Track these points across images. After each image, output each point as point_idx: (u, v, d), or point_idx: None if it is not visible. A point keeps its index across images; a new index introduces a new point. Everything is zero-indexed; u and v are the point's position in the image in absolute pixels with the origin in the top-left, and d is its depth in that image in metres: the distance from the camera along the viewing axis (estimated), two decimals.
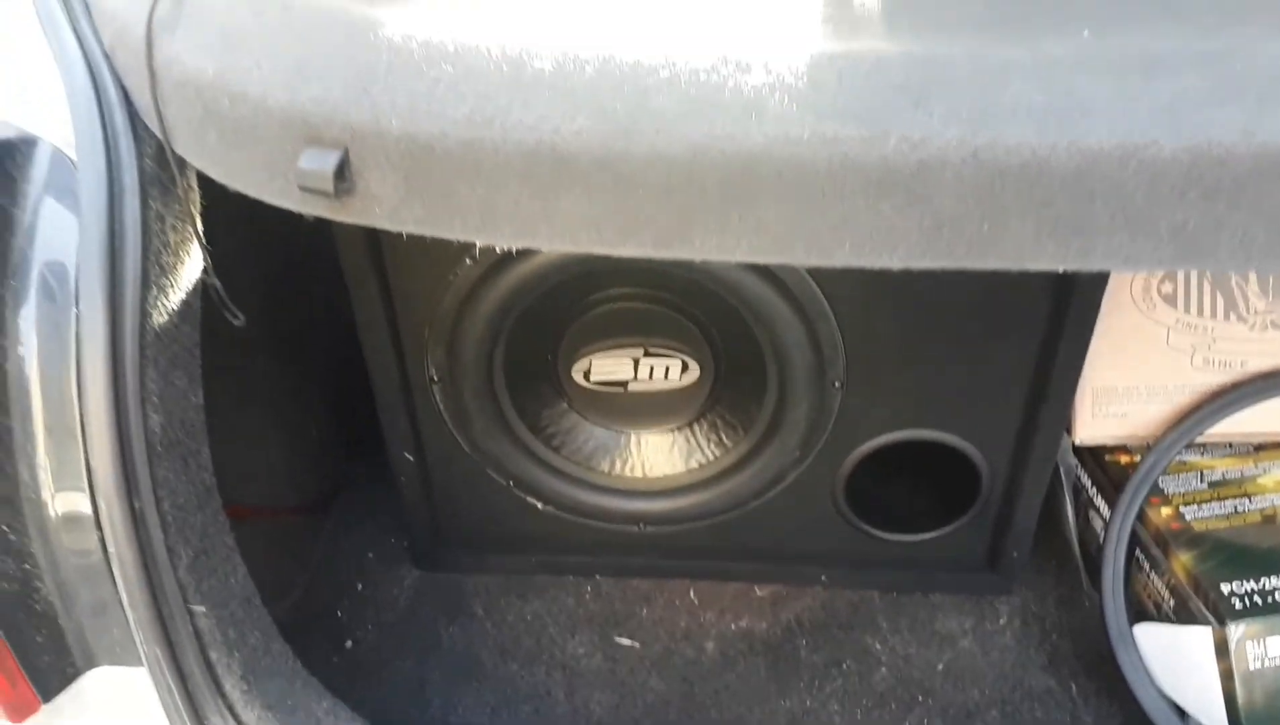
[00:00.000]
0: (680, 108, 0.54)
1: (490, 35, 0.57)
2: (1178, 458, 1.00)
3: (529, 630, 1.07)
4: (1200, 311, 0.94)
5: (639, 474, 1.04)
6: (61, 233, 0.66)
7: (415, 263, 0.89)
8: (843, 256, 0.56)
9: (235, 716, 0.71)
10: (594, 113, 0.54)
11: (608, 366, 0.98)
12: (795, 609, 1.08)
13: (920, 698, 1.01)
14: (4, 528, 0.67)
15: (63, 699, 0.70)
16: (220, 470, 0.75)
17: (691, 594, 1.10)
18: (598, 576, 1.12)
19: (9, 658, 0.66)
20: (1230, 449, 1.02)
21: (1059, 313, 0.86)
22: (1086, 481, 1.04)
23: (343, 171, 0.57)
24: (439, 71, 0.56)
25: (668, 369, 0.98)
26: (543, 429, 1.02)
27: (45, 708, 0.69)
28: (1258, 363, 0.94)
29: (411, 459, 1.03)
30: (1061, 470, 1.06)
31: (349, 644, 1.05)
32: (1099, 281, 0.84)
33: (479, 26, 0.58)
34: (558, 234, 0.58)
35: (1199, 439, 0.97)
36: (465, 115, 0.55)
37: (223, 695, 0.70)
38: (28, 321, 0.66)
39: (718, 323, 0.94)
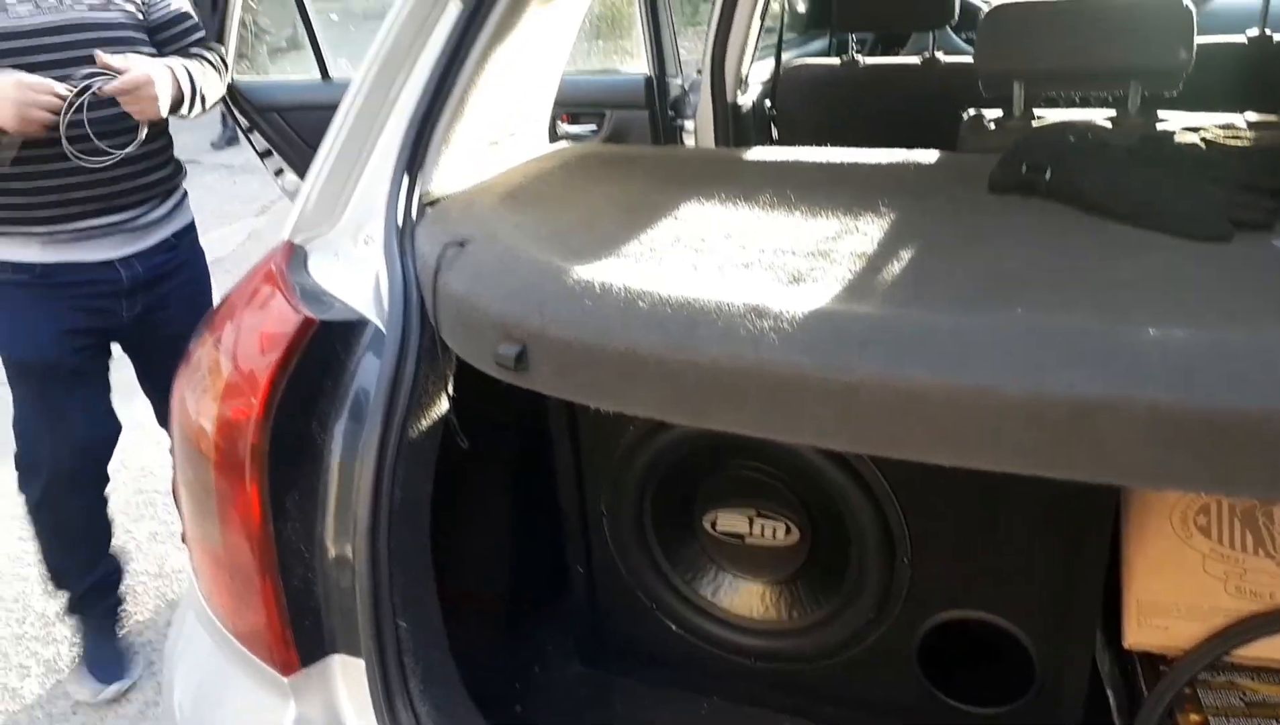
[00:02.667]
0: (724, 333, 0.86)
1: (615, 282, 0.93)
2: (1226, 676, 1.11)
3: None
4: (1231, 544, 1.08)
5: (750, 615, 1.30)
6: (370, 377, 1.08)
7: (596, 425, 1.25)
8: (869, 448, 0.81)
9: (412, 706, 1.04)
10: (662, 332, 0.87)
11: (730, 521, 1.28)
12: None
13: None
14: (304, 552, 1.07)
15: (312, 669, 1.08)
16: (442, 547, 1.12)
17: None
18: (715, 697, 1.37)
19: (288, 630, 1.05)
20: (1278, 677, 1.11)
21: (1084, 520, 1.05)
22: (1140, 682, 1.16)
23: (522, 357, 0.94)
24: (582, 304, 0.92)
25: (775, 530, 1.25)
26: (680, 564, 1.33)
27: (301, 671, 1.07)
28: None
29: (582, 572, 1.36)
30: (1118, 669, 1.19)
31: (518, 708, 1.38)
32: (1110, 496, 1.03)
33: (610, 276, 0.94)
34: (649, 408, 0.91)
35: (1238, 660, 1.08)
36: (592, 331, 0.90)
37: (407, 689, 1.04)
38: (339, 429, 1.07)
39: (813, 498, 1.21)
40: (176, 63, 1.90)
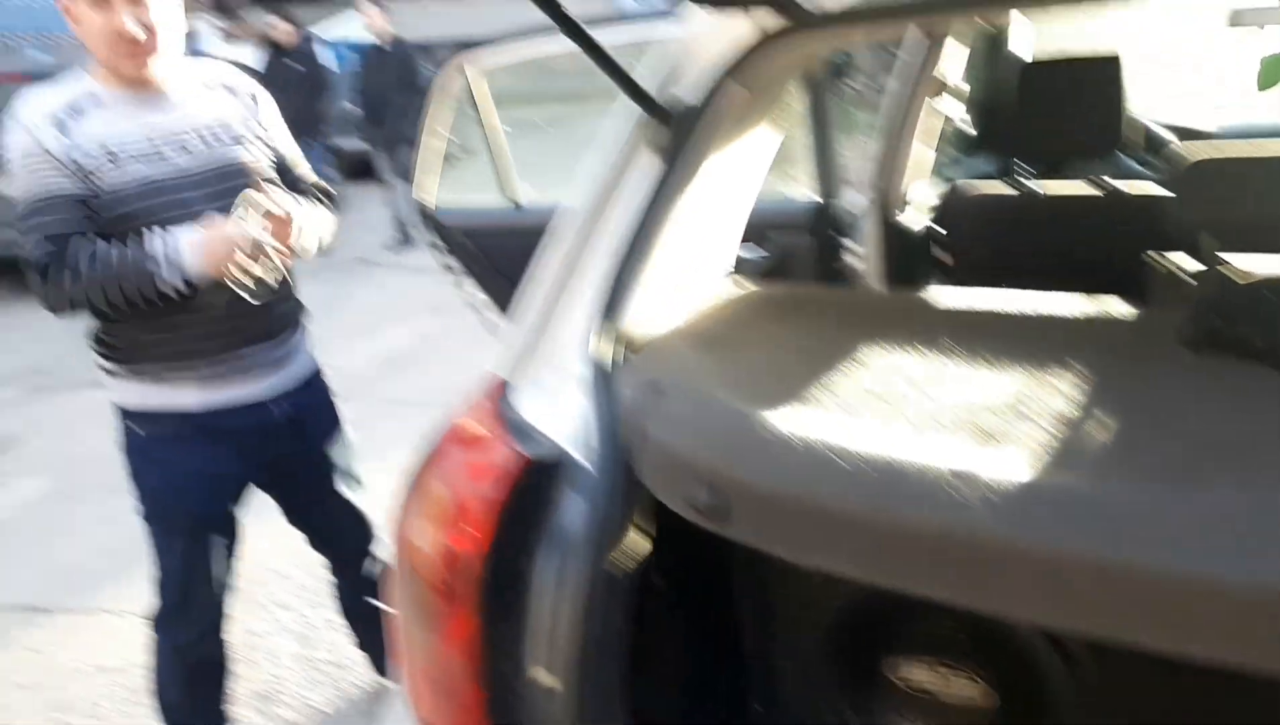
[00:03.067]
0: (926, 498, 0.89)
1: (812, 435, 0.98)
2: None
3: None
4: None
5: None
6: (573, 512, 1.16)
7: (783, 567, 1.30)
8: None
9: None
10: (862, 492, 0.92)
11: (917, 674, 1.28)
12: None
13: None
14: (509, 675, 1.14)
15: None
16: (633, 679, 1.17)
17: None
18: None
19: None
20: None
21: None
22: None
23: (721, 507, 1.00)
24: (780, 458, 0.98)
25: (965, 687, 1.24)
26: (862, 713, 1.33)
27: None
28: None
29: (761, 712, 1.39)
30: None
31: None
32: None
33: (806, 429, 0.99)
34: (845, 566, 0.95)
35: None
36: (791, 486, 0.96)
37: None
38: (545, 562, 1.14)
39: (1008, 658, 1.20)
40: (312, 207, 1.99)
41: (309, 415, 2.10)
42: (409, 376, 4.94)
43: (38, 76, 7.69)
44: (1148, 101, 3.06)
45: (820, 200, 2.49)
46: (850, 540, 0.92)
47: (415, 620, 1.20)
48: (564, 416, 1.23)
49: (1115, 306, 1.28)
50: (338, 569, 2.34)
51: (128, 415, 1.94)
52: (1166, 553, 0.75)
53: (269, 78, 7.43)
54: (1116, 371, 1.10)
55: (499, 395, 1.28)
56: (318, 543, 2.30)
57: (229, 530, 2.05)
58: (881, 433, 0.99)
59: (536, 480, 1.16)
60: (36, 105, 1.80)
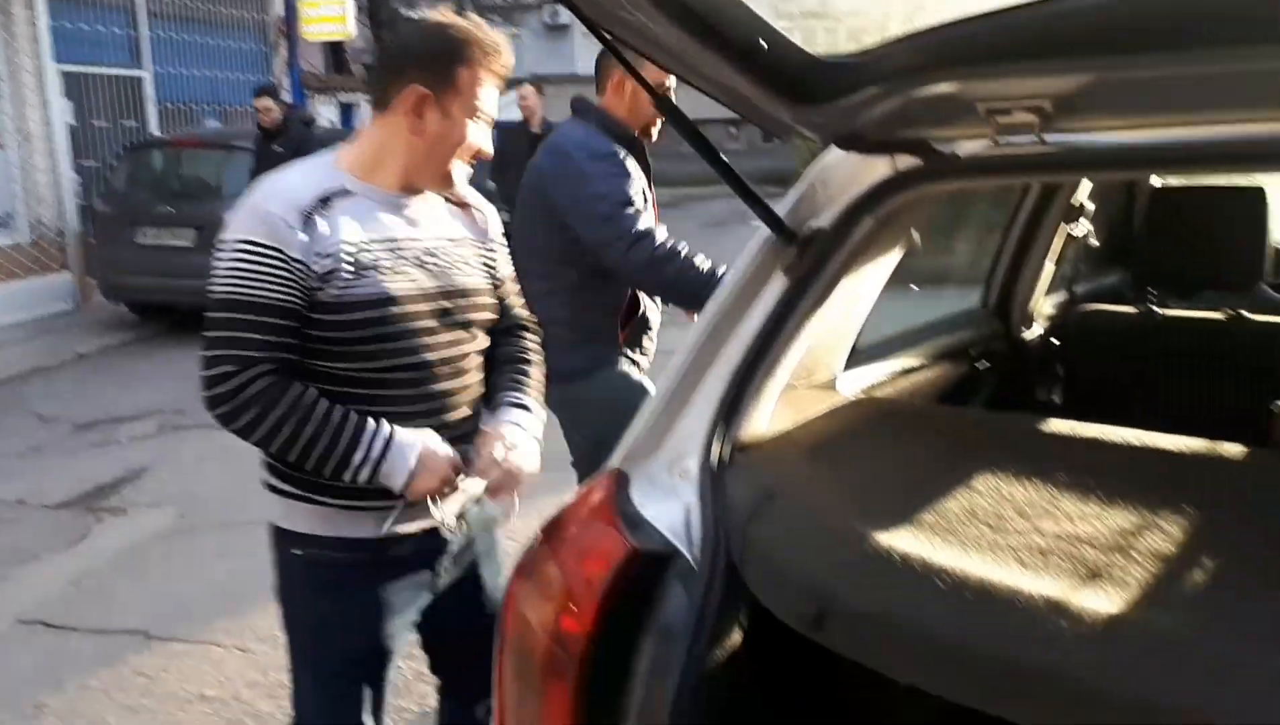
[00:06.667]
0: (1022, 628, 0.91)
1: (913, 554, 1.01)
2: None
3: None
4: None
5: None
6: (676, 603, 1.20)
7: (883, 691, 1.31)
8: None
9: None
10: (958, 617, 0.94)
11: None
12: None
13: None
14: None
15: None
16: None
17: None
18: None
19: None
20: None
21: None
22: None
23: (821, 618, 1.04)
24: (881, 576, 1.01)
25: None
26: None
27: None
28: None
29: None
30: None
31: None
32: None
33: (908, 547, 1.02)
34: (936, 686, 0.97)
35: None
36: (890, 604, 0.99)
37: None
38: (646, 649, 1.18)
39: None
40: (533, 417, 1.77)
41: (468, 549, 1.79)
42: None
43: (211, 144, 8.41)
44: None
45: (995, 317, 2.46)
46: (941, 662, 0.94)
47: (519, 691, 1.25)
48: (672, 509, 1.29)
49: (1237, 452, 1.28)
50: (456, 699, 1.97)
51: (296, 541, 1.67)
52: (1255, 706, 0.76)
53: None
54: (1230, 518, 1.11)
55: (616, 487, 1.34)
56: (446, 666, 1.95)
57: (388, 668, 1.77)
58: (981, 559, 1.01)
59: (645, 571, 1.21)
60: (286, 195, 1.56)
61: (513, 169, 7.54)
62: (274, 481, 1.67)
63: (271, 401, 1.52)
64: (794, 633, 1.12)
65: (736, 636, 1.20)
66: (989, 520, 1.10)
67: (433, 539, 1.68)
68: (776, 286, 1.37)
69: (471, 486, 1.62)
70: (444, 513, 1.59)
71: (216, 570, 3.64)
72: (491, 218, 1.83)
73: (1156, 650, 0.84)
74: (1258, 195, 2.02)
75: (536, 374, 1.86)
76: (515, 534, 1.87)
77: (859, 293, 1.51)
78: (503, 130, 8.07)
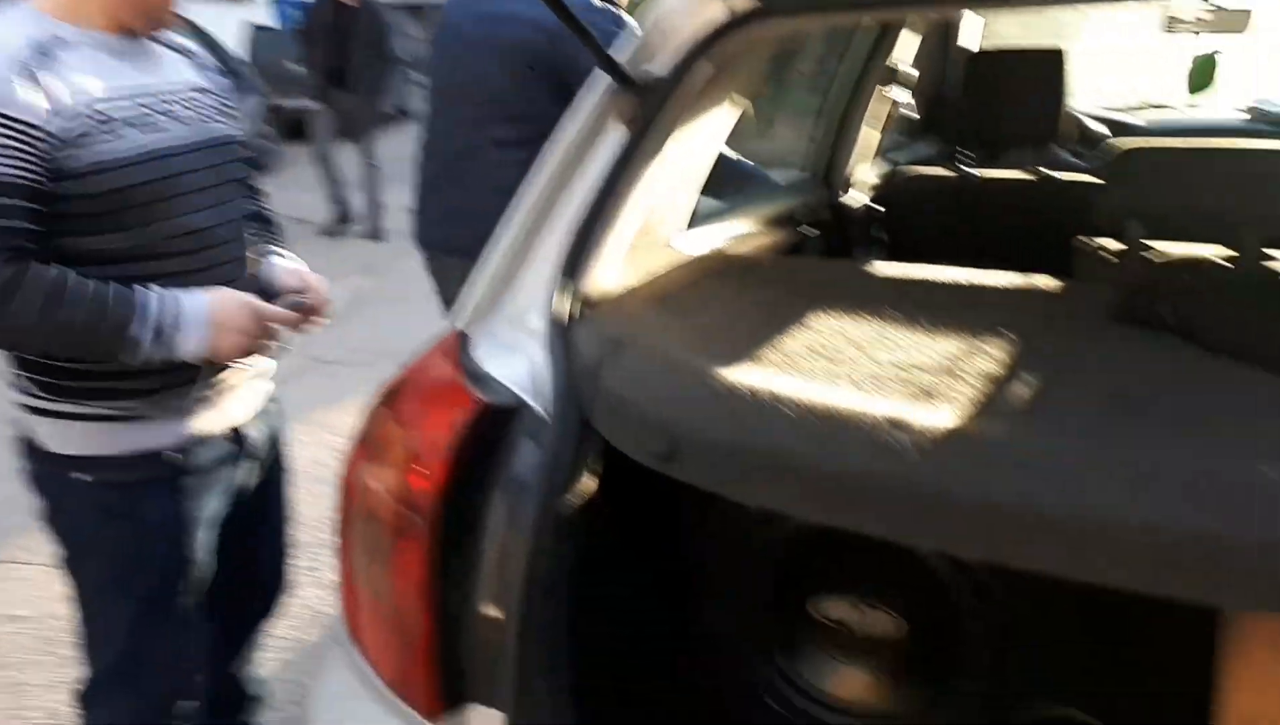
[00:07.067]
0: (867, 442, 0.95)
1: (760, 386, 1.03)
2: None
3: None
4: None
5: (852, 699, 1.37)
6: (527, 456, 1.19)
7: (720, 510, 1.36)
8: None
9: None
10: (807, 437, 0.97)
11: (836, 609, 1.36)
12: None
13: None
14: (458, 611, 1.17)
15: (453, 716, 1.18)
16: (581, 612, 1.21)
17: None
18: None
19: (437, 678, 1.16)
20: None
21: (1185, 637, 1.12)
22: None
23: (673, 452, 1.05)
24: (730, 406, 1.03)
25: (880, 620, 1.33)
26: (787, 646, 1.41)
27: (444, 717, 1.17)
28: None
29: (692, 651, 1.45)
30: None
31: None
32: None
33: (754, 381, 1.04)
34: (789, 505, 1.01)
35: None
36: (740, 431, 1.01)
37: None
38: (498, 503, 1.18)
39: (922, 592, 1.29)
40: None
41: (271, 446, 1.70)
42: (338, 334, 4.90)
43: None
44: (1087, 97, 3.18)
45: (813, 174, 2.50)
46: (792, 481, 0.98)
47: (370, 561, 1.22)
48: (518, 365, 1.27)
49: (1045, 282, 1.38)
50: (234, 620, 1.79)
51: (77, 465, 1.46)
52: (1073, 495, 0.85)
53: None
54: (1046, 340, 1.20)
55: (458, 346, 1.31)
56: (227, 585, 1.68)
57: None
58: (824, 386, 1.05)
59: (492, 425, 1.19)
60: None
61: (321, 47, 7.14)
62: (35, 400, 1.45)
63: (18, 290, 1.29)
64: (648, 480, 1.14)
65: (590, 483, 1.20)
66: (828, 354, 1.15)
67: (233, 441, 1.57)
68: (615, 137, 1.34)
69: (265, 364, 1.56)
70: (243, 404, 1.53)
71: (6, 489, 3.36)
72: (218, 68, 1.66)
73: (990, 453, 0.90)
74: (1056, 57, 2.14)
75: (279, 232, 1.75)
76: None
77: (696, 149, 1.51)
78: (309, 7, 7.58)
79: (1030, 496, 0.86)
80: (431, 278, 2.65)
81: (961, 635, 1.26)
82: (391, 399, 1.28)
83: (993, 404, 0.99)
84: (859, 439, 0.94)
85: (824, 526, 1.30)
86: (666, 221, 1.54)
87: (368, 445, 1.27)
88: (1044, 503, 0.85)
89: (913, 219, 2.37)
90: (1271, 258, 1.44)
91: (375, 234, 7.20)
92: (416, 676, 1.18)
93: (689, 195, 1.58)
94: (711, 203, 1.90)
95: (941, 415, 0.96)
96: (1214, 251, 1.42)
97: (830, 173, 2.47)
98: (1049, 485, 0.86)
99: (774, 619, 1.40)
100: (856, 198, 2.50)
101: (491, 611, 1.15)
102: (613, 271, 1.37)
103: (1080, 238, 1.64)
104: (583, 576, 1.20)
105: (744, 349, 1.16)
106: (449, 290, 2.45)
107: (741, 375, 1.07)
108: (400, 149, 8.24)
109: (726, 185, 1.98)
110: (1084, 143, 2.93)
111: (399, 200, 7.06)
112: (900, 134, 2.80)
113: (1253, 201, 1.55)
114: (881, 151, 2.64)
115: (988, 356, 1.12)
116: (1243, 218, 1.49)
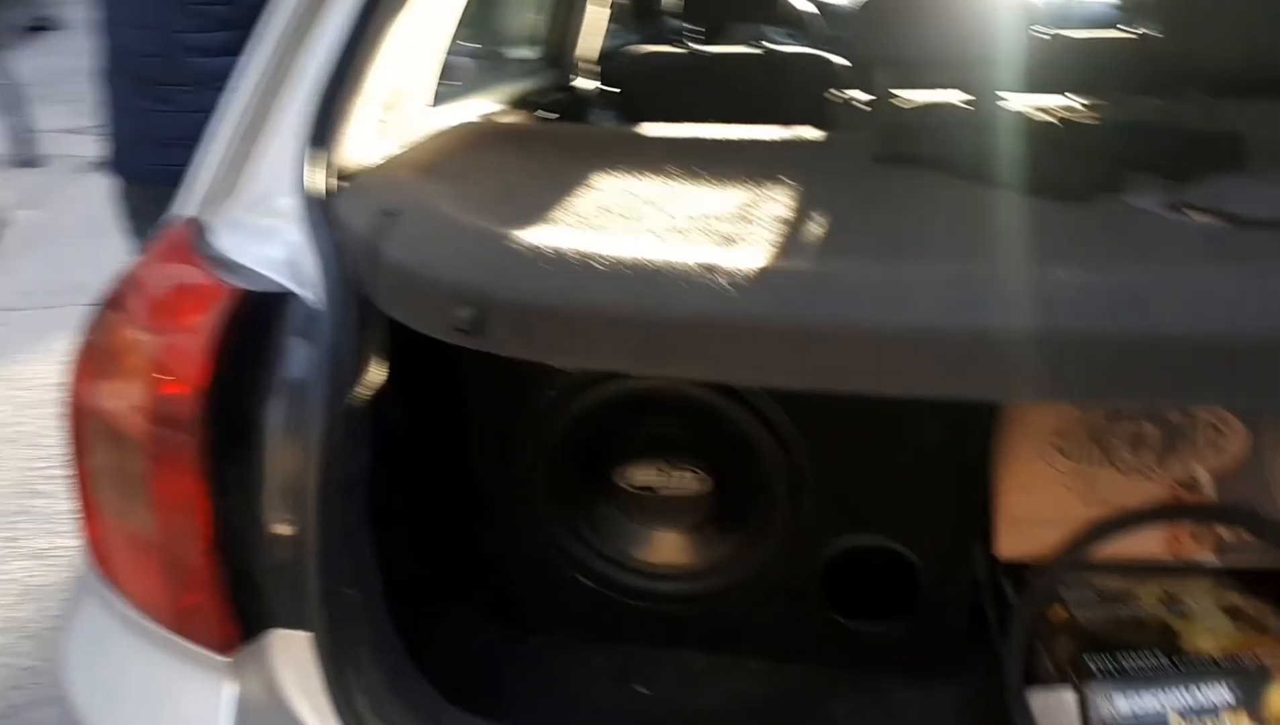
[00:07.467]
0: (683, 287, 0.92)
1: (564, 245, 0.97)
2: (1083, 575, 1.29)
3: (568, 678, 1.39)
4: (1083, 460, 1.26)
5: (664, 561, 1.38)
6: (301, 350, 1.06)
7: (514, 389, 1.29)
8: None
9: (361, 673, 1.05)
10: (624, 288, 0.93)
11: (643, 475, 1.35)
12: (780, 679, 1.37)
13: None
14: (243, 529, 1.04)
15: (252, 645, 1.06)
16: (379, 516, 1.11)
17: (699, 664, 1.40)
18: (634, 645, 1.43)
19: (228, 607, 1.03)
20: (1128, 572, 1.30)
21: (961, 448, 1.21)
22: (1009, 590, 1.33)
23: (479, 321, 0.96)
24: (538, 266, 0.96)
25: (686, 479, 1.34)
26: (594, 521, 1.38)
27: (241, 648, 1.05)
28: (1129, 501, 1.25)
29: (499, 535, 1.40)
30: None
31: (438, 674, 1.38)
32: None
33: (556, 240, 0.98)
34: (611, 361, 0.97)
35: (1095, 559, 1.26)
36: (552, 291, 0.94)
37: (355, 656, 1.05)
38: (275, 404, 1.04)
39: (721, 445, 1.30)
40: None
41: None
42: (3, 277, 4.29)
43: None
44: None
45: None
46: (613, 335, 0.93)
47: (122, 490, 1.05)
48: (270, 251, 1.12)
49: (808, 133, 1.41)
50: None
51: None
52: (872, 311, 0.88)
53: None
54: (822, 183, 1.23)
55: (193, 235, 1.13)
56: None
57: None
58: (629, 240, 1.01)
59: (253, 316, 1.04)
60: None
61: None
62: None
63: None
64: (433, 363, 1.06)
65: (379, 372, 1.09)
66: (623, 212, 1.10)
67: None
68: None
69: None
70: None
71: None
72: None
73: (798, 282, 0.91)
74: None
75: None
76: None
77: (436, 15, 1.39)
78: None
79: (842, 318, 0.88)
80: (123, 209, 2.31)
81: (764, 483, 1.28)
82: (120, 303, 1.09)
83: (791, 242, 1.00)
84: (677, 286, 0.91)
85: (626, 394, 1.27)
86: (414, 92, 1.41)
87: (97, 359, 1.08)
88: (853, 321, 0.88)
89: (648, 99, 2.36)
90: (1001, 99, 1.57)
91: (29, 161, 6.28)
92: (203, 611, 1.04)
93: (432, 68, 1.45)
94: (446, 85, 1.80)
95: (749, 256, 0.95)
96: (954, 95, 1.52)
97: (560, 55, 2.40)
98: (858, 306, 0.89)
99: (580, 493, 1.37)
100: (589, 80, 2.45)
101: (284, 528, 1.03)
102: (367, 142, 1.23)
103: (832, 91, 1.70)
104: (379, 472, 1.10)
105: (535, 212, 1.08)
106: (147, 225, 2.15)
107: (543, 237, 1.00)
108: (47, 65, 7.24)
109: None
110: (793, 24, 3.06)
111: (53, 122, 6.29)
112: (631, 19, 2.78)
113: (979, 46, 1.66)
114: (612, 35, 2.61)
115: (775, 202, 1.13)
116: (973, 62, 1.60)
